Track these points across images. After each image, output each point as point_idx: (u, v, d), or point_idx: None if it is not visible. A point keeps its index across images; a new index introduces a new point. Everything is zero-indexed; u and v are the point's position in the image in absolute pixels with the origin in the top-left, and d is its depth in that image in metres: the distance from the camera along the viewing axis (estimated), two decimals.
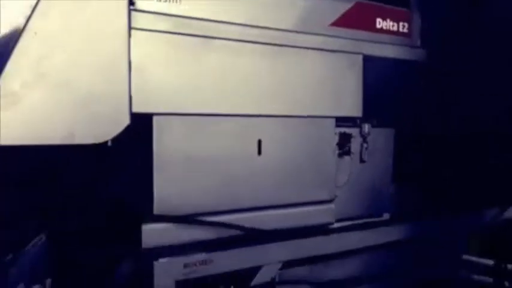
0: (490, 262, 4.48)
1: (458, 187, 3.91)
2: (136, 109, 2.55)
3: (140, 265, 2.74)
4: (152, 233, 2.67)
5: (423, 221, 3.91)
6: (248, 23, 2.91)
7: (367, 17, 3.48)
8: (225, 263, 2.82)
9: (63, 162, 2.76)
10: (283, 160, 3.15)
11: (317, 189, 3.31)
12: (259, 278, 2.98)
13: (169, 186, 2.73)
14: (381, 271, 3.75)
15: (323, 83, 3.26)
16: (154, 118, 2.67)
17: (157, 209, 2.69)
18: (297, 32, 3.10)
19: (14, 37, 2.24)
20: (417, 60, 3.74)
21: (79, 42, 2.37)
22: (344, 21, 3.32)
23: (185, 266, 2.65)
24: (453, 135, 3.78)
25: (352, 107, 3.43)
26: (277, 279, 3.13)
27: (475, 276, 4.46)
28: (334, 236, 3.38)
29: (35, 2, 2.25)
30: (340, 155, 3.51)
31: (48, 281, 2.74)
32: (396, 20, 3.63)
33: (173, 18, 2.65)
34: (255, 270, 3.00)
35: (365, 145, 3.64)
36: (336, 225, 3.46)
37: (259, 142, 3.04)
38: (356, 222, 3.63)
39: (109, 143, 2.52)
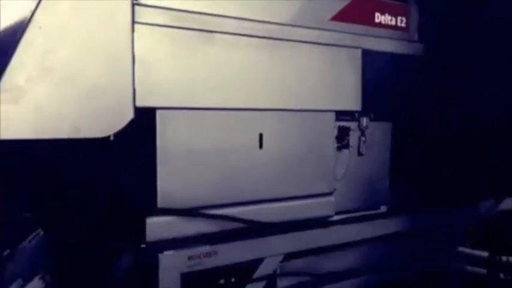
0: (485, 254, 4.54)
1: (454, 180, 3.95)
2: (140, 103, 2.56)
3: (143, 259, 2.75)
4: (156, 227, 2.69)
5: (419, 214, 3.95)
6: (250, 17, 2.92)
7: (366, 11, 3.50)
8: (228, 255, 2.85)
9: (65, 157, 2.76)
10: (284, 154, 3.18)
11: (317, 182, 3.35)
12: (262, 270, 3.01)
13: (172, 180, 2.75)
14: (378, 263, 3.79)
15: (324, 77, 3.29)
16: (158, 112, 2.68)
17: (161, 202, 2.71)
18: (298, 26, 3.12)
19: (17, 31, 2.24)
20: (415, 54, 3.78)
21: (83, 37, 2.38)
22: (343, 15, 3.35)
23: (189, 258, 2.67)
24: (450, 129, 3.82)
25: (352, 101, 3.46)
26: (278, 272, 3.16)
27: (470, 268, 4.52)
28: (334, 228, 3.42)
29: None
30: (338, 149, 3.55)
31: (47, 276, 2.74)
32: (394, 15, 3.66)
33: (176, 12, 2.66)
34: (255, 263, 3.03)
35: (363, 139, 3.67)
36: (335, 217, 3.49)
37: (261, 136, 3.07)
38: (354, 215, 3.67)
39: (111, 137, 2.54)
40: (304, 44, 3.17)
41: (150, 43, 2.60)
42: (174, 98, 2.71)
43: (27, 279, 2.65)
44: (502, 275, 4.44)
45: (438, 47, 3.81)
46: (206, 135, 2.85)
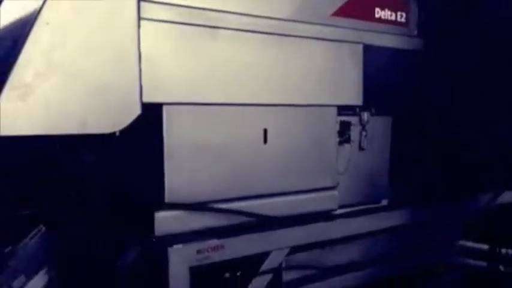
0: (485, 247, 4.59)
1: (454, 173, 3.99)
2: (146, 99, 2.57)
3: (152, 253, 2.76)
4: (164, 221, 2.71)
5: (420, 207, 3.98)
6: (254, 13, 2.94)
7: (366, 7, 3.53)
8: (236, 248, 2.86)
9: (70, 152, 2.77)
10: (288, 148, 3.20)
11: (321, 176, 3.38)
12: (268, 264, 3.03)
13: (179, 175, 2.76)
14: (381, 256, 3.83)
15: (326, 72, 3.31)
16: (164, 107, 2.70)
17: (168, 197, 2.72)
18: (301, 22, 3.14)
19: (24, 28, 2.25)
20: (414, 49, 3.81)
21: (90, 33, 2.38)
22: (345, 10, 3.37)
23: (198, 252, 2.68)
24: (449, 123, 3.86)
25: (353, 95, 3.49)
26: (284, 265, 3.19)
27: (470, 261, 4.56)
28: (338, 221, 3.44)
29: None
30: (340, 143, 3.58)
31: (51, 271, 2.75)
32: (394, 10, 3.68)
33: (182, 8, 2.67)
34: (261, 256, 3.05)
35: (364, 133, 3.71)
36: (338, 211, 3.52)
37: (265, 131, 3.09)
38: (356, 208, 3.70)
39: (117, 133, 2.55)
40: (307, 40, 3.19)
41: (156, 39, 2.60)
42: (180, 93, 2.73)
43: (30, 276, 2.65)
44: (501, 268, 4.50)
45: (438, 42, 3.84)
46: (212, 131, 2.87)
